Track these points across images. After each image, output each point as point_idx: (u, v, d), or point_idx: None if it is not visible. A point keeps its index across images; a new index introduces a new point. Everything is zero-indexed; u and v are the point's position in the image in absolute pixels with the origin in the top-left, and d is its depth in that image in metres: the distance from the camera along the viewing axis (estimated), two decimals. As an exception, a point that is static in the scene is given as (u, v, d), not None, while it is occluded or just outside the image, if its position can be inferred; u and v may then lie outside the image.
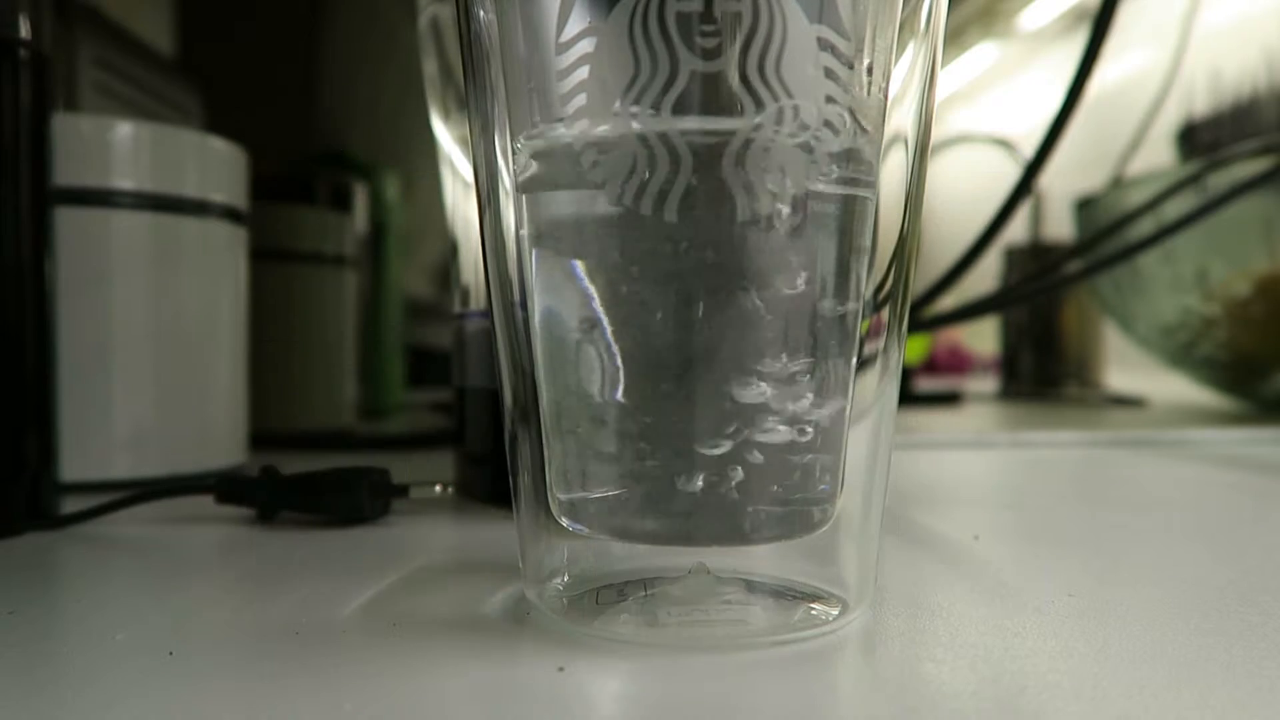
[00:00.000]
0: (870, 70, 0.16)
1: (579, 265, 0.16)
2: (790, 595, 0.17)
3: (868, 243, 0.16)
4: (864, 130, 0.16)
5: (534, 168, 0.16)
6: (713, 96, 0.15)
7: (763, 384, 0.15)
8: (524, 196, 0.16)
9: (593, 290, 0.16)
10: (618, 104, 0.15)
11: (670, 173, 0.15)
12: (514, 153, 0.16)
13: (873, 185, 0.16)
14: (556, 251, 0.16)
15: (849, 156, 0.16)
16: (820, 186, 0.15)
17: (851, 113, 0.15)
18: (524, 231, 0.17)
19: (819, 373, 0.16)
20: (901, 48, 0.16)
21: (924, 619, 0.17)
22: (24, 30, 0.25)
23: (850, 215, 0.16)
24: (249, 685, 0.14)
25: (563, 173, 0.16)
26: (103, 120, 0.32)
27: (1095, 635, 0.16)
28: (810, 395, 0.16)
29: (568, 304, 0.16)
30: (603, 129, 0.15)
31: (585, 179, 0.15)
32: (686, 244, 0.15)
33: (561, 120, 0.15)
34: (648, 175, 0.15)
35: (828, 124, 0.15)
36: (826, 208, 0.15)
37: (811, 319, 0.16)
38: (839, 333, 0.16)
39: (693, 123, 0.15)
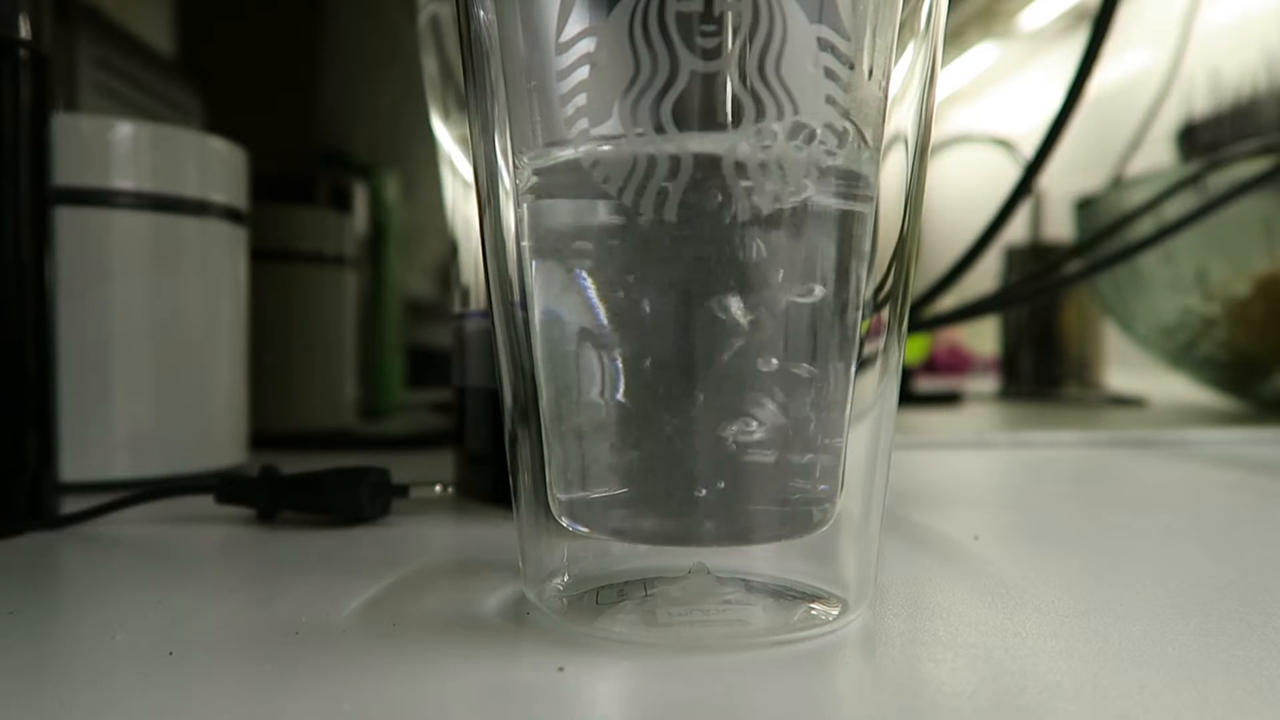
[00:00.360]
0: (870, 70, 0.16)
1: (579, 269, 0.16)
2: (790, 595, 0.17)
3: (868, 245, 0.16)
4: (863, 132, 0.16)
5: (536, 183, 0.16)
6: (713, 97, 0.15)
7: (762, 385, 0.15)
8: (525, 209, 0.16)
9: (593, 292, 0.16)
10: (615, 110, 0.15)
11: (670, 175, 0.15)
12: (516, 168, 0.16)
13: (872, 190, 0.16)
14: (557, 257, 0.16)
15: (849, 160, 0.15)
16: (820, 189, 0.15)
17: (850, 114, 0.15)
18: (525, 242, 0.17)
19: (819, 373, 0.16)
20: (901, 48, 0.16)
21: (924, 619, 0.17)
22: (24, 30, 0.25)
23: (850, 218, 0.16)
24: (249, 685, 0.14)
25: (565, 187, 0.16)
26: (103, 120, 0.32)
27: (1095, 635, 0.16)
28: (810, 396, 0.16)
29: (567, 305, 0.16)
30: (605, 149, 0.15)
31: (586, 190, 0.15)
32: (686, 247, 0.15)
33: (566, 141, 0.15)
34: (648, 177, 0.15)
35: (828, 125, 0.15)
36: (827, 210, 0.15)
37: (811, 320, 0.16)
38: (839, 334, 0.16)
39: (695, 142, 0.14)
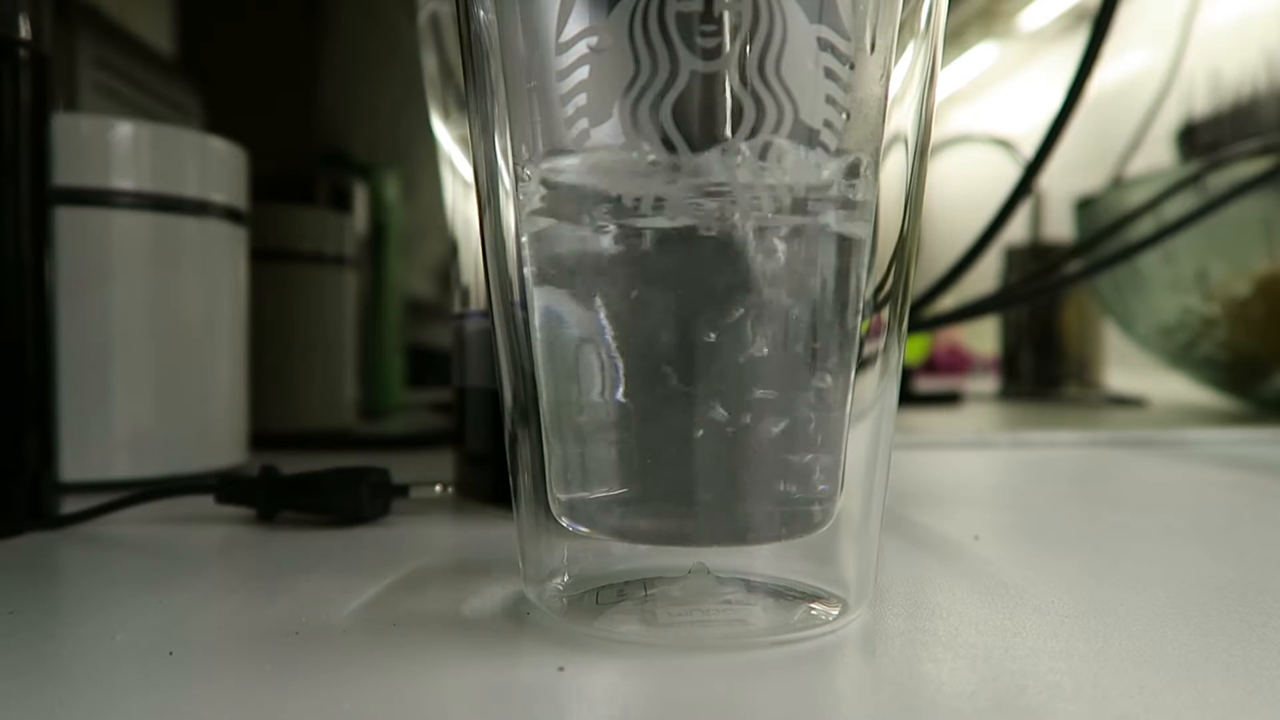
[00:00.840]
0: (870, 69, 0.16)
1: (580, 271, 0.16)
2: (790, 595, 0.17)
3: (868, 247, 0.16)
4: (861, 133, 0.16)
5: (541, 196, 0.16)
6: (713, 97, 0.15)
7: (762, 386, 0.15)
8: (525, 237, 0.16)
9: (594, 296, 0.16)
10: (615, 110, 0.15)
11: (669, 179, 0.15)
12: (519, 180, 0.16)
13: (872, 193, 0.16)
14: (558, 264, 0.16)
15: (849, 165, 0.15)
16: (821, 192, 0.15)
17: (850, 115, 0.15)
18: (527, 267, 0.17)
19: (819, 375, 0.16)
20: (901, 48, 0.16)
21: (924, 619, 0.17)
22: (24, 30, 0.25)
23: (850, 221, 0.16)
24: (249, 685, 0.14)
25: (567, 201, 0.16)
26: (103, 120, 0.32)
27: (1095, 635, 0.16)
28: (810, 396, 0.16)
29: (568, 305, 0.16)
30: (613, 161, 0.15)
31: (588, 203, 0.15)
32: (687, 249, 0.15)
33: (570, 152, 0.15)
34: (647, 180, 0.15)
35: (828, 124, 0.15)
36: (827, 214, 0.15)
37: (811, 321, 0.16)
38: (839, 335, 0.16)
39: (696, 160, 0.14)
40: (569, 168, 0.15)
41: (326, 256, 0.49)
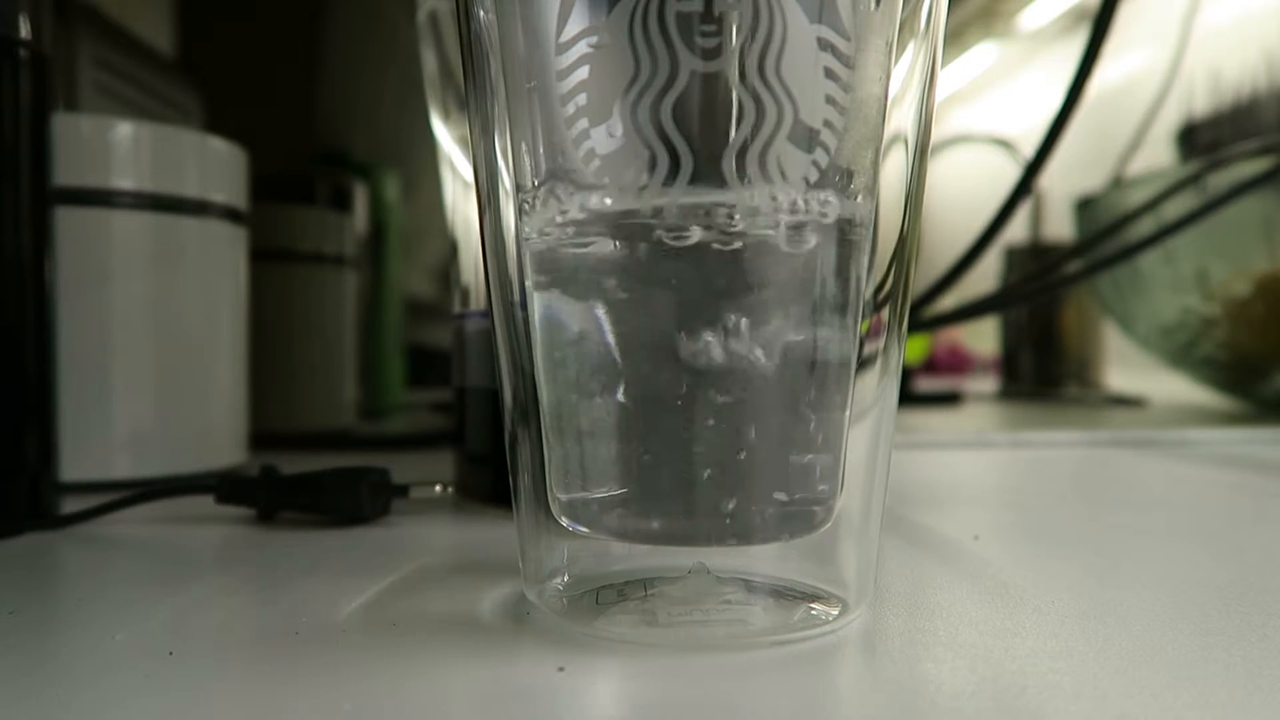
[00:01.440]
0: (870, 70, 0.15)
1: (580, 272, 0.16)
2: (790, 595, 0.17)
3: (867, 249, 0.16)
4: (861, 133, 0.16)
5: (545, 222, 0.16)
6: (713, 97, 0.15)
7: (762, 385, 0.15)
8: (528, 252, 0.16)
9: (595, 297, 0.16)
10: (616, 110, 0.15)
11: (671, 173, 0.15)
12: (526, 201, 0.16)
13: (871, 197, 0.16)
14: (558, 265, 0.16)
15: (848, 165, 0.15)
16: (820, 194, 0.15)
17: (849, 115, 0.15)
18: (529, 280, 0.17)
19: (818, 374, 0.16)
20: (901, 48, 0.16)
21: (924, 619, 0.17)
22: (24, 30, 0.25)
23: (850, 226, 0.16)
24: (249, 685, 0.14)
25: (576, 227, 0.16)
26: (103, 120, 0.32)
27: (1095, 635, 0.16)
28: (810, 396, 0.16)
29: (568, 306, 0.16)
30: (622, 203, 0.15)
31: (592, 227, 0.15)
32: (687, 251, 0.15)
33: (591, 189, 0.15)
34: (649, 175, 0.15)
35: (828, 124, 0.15)
36: (826, 215, 0.15)
37: (812, 322, 0.16)
38: (839, 335, 0.16)
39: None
40: (578, 201, 0.15)
41: (326, 256, 0.49)
